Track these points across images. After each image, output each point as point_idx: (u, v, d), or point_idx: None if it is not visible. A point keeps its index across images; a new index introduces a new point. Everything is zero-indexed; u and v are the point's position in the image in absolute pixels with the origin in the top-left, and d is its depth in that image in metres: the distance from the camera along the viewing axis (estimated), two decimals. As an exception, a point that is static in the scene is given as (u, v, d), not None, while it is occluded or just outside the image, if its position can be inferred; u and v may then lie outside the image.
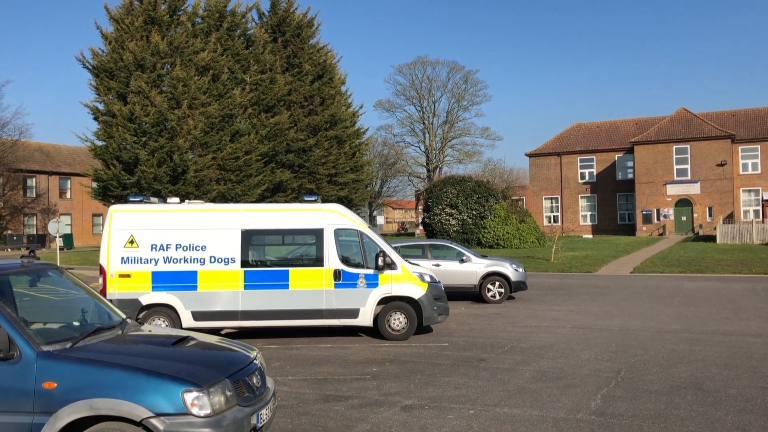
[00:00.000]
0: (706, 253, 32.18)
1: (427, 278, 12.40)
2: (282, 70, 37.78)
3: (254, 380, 5.54)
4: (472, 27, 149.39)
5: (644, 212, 54.44)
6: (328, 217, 12.15)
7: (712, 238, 43.06)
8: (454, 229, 40.82)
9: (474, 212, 40.89)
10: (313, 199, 12.48)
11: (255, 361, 5.78)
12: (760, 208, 52.99)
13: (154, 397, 4.79)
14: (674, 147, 53.54)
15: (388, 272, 11.98)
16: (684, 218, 53.52)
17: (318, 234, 12.03)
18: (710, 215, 52.05)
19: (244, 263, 11.89)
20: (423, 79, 75.00)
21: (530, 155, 63.19)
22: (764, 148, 54.18)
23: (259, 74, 35.46)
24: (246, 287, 11.81)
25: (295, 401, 7.99)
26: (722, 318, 13.82)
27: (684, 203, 53.48)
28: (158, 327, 10.17)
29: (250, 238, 12.05)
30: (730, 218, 49.88)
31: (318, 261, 11.97)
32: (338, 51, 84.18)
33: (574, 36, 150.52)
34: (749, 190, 54.61)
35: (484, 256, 18.56)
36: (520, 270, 17.71)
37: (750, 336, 11.71)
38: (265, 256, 12.38)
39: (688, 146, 53.13)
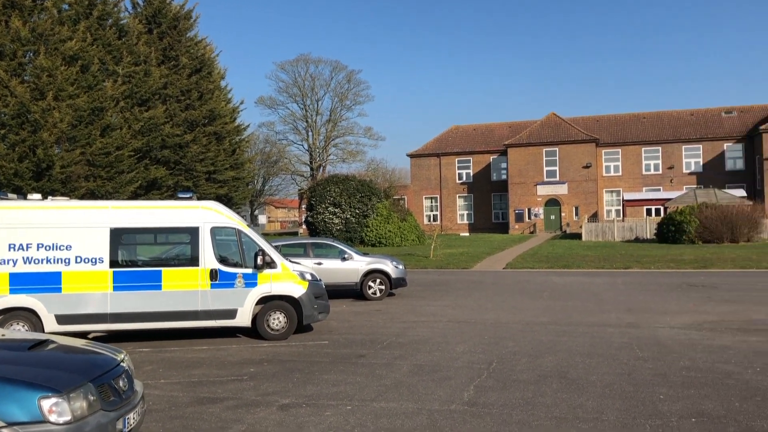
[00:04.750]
0: (572, 249, 34.20)
1: (308, 276, 12.32)
2: (157, 63, 36.24)
3: (121, 384, 5.28)
4: (355, 27, 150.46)
5: (517, 211, 57.08)
6: (204, 215, 11.78)
7: (578, 236, 45.82)
8: (338, 227, 40.94)
9: (357, 211, 41.19)
10: (188, 196, 12.07)
11: (122, 364, 5.50)
12: (621, 207, 56.99)
13: (6, 405, 4.45)
14: (544, 150, 56.50)
15: (267, 271, 11.79)
16: (553, 217, 56.60)
17: (193, 232, 11.65)
18: (576, 214, 55.37)
19: (114, 263, 11.30)
20: (306, 77, 74.67)
21: (411, 156, 64.50)
22: (625, 152, 58.34)
23: (132, 66, 33.83)
24: (115, 288, 11.22)
25: (167, 405, 7.69)
26: (586, 310, 14.71)
27: (553, 203, 56.54)
28: (15, 332, 9.45)
29: (119, 237, 11.47)
30: (594, 217, 53.32)
31: (193, 260, 11.58)
32: (217, 45, 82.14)
33: (454, 40, 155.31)
34: (611, 191, 58.60)
35: (365, 254, 18.72)
36: (400, 267, 18.03)
37: (610, 327, 12.54)
38: (137, 255, 11.84)
39: (557, 149, 56.25)
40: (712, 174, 55.82)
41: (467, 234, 57.75)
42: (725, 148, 56.30)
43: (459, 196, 62.86)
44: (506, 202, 59.20)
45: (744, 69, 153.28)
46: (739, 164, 56.02)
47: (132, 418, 5.22)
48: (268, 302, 11.85)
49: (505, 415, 7.05)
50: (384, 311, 15.25)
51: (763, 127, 52.15)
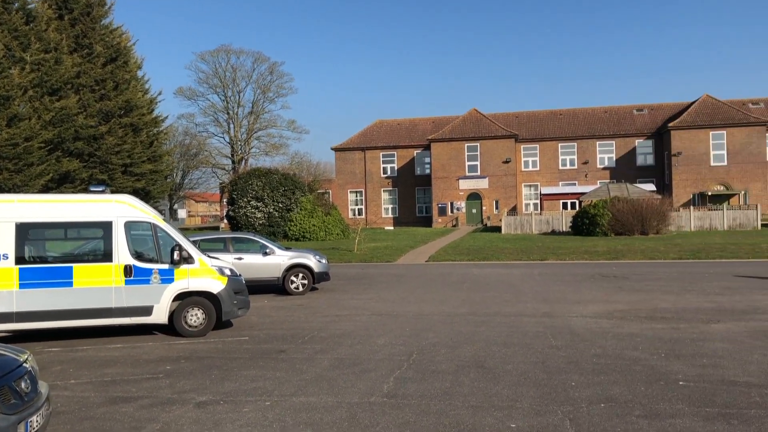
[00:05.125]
0: (492, 242, 35.00)
1: (227, 272, 12.10)
2: (69, 51, 34.74)
3: (23, 385, 5.03)
4: (278, 18, 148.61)
5: (440, 205, 57.93)
6: (118, 209, 11.37)
7: (497, 229, 46.93)
8: (260, 222, 40.40)
9: (280, 205, 40.76)
10: (100, 189, 11.62)
11: (25, 365, 5.25)
12: (538, 201, 58.71)
13: None
14: (466, 145, 57.52)
15: (184, 267, 11.51)
16: (474, 210, 57.76)
17: (106, 227, 11.23)
18: (497, 208, 56.68)
19: (20, 260, 10.76)
20: (227, 67, 73.22)
21: (336, 149, 64.35)
22: (542, 148, 60.12)
23: (42, 53, 32.28)
24: (22, 286, 10.68)
25: (77, 406, 7.39)
26: (504, 301, 15.09)
27: (474, 197, 57.68)
28: None
29: (26, 232, 10.92)
30: (513, 211, 54.68)
31: (106, 256, 11.17)
32: (134, 34, 79.34)
33: (378, 34, 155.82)
34: (530, 185, 60.29)
35: (288, 249, 18.55)
36: (323, 261, 17.96)
37: (526, 316, 12.90)
38: (46, 251, 11.30)
39: (478, 144, 57.38)
40: (625, 169, 58.28)
41: (392, 228, 58.17)
42: (636, 144, 58.87)
43: (384, 190, 63.20)
44: (430, 196, 59.96)
45: (655, 69, 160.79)
46: (650, 160, 58.70)
47: (35, 420, 4.99)
48: (185, 298, 11.57)
49: (424, 405, 7.14)
50: (306, 306, 15.17)
51: (671, 124, 54.84)
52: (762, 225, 42.00)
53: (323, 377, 8.48)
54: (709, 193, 53.21)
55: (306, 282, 17.36)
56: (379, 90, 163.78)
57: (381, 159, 63.15)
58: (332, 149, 64.68)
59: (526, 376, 8.31)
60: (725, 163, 53.81)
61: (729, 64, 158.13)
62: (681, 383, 7.74)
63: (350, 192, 63.67)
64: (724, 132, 53.72)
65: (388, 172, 63.08)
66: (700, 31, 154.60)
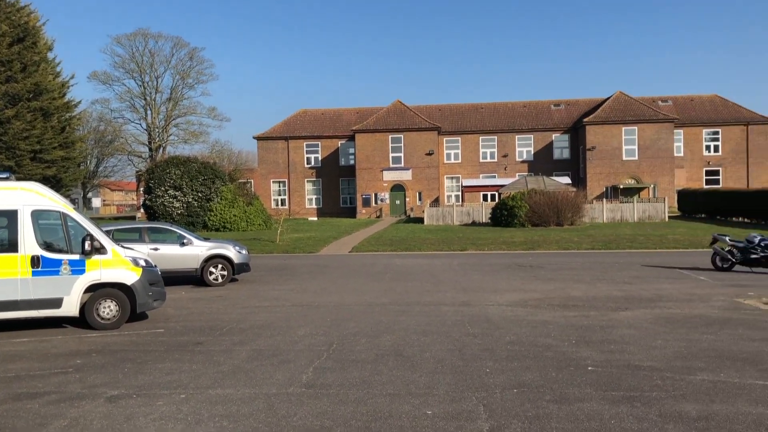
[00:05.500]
0: (415, 233, 35.41)
1: (142, 263, 11.74)
2: (-29, 29, 32.71)
3: None
4: (199, 1, 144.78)
5: (364, 196, 58.08)
6: (24, 197, 10.83)
7: (420, 220, 47.48)
8: (179, 212, 39.38)
9: (200, 194, 39.85)
10: (4, 176, 11.04)
11: None
12: (460, 193, 59.76)
13: None
14: (390, 136, 57.83)
15: (96, 257, 11.09)
16: (398, 202, 58.22)
17: (11, 216, 10.67)
18: (420, 199, 57.32)
19: None
20: (144, 52, 70.72)
21: (258, 138, 63.36)
22: (464, 140, 61.17)
23: (-60, 31, 30.28)
24: None
25: (-24, 404, 7.02)
26: (424, 290, 15.31)
27: (398, 188, 58.13)
28: None
29: None
30: (436, 202, 55.48)
31: (11, 246, 10.63)
32: (44, 13, 75.54)
33: (303, 22, 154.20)
34: (452, 177, 61.28)
35: (207, 239, 18.18)
36: (244, 252, 17.69)
37: (445, 305, 13.14)
38: (-57, 241, 10.65)
39: (402, 136, 57.80)
40: (542, 162, 60.06)
41: (315, 219, 57.92)
42: (553, 138, 60.75)
43: (307, 181, 62.77)
44: (354, 187, 59.98)
45: (572, 64, 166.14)
46: (566, 153, 60.71)
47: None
48: (97, 290, 11.16)
49: (342, 394, 7.17)
50: (225, 297, 14.92)
51: (586, 119, 56.85)
52: (669, 217, 44.23)
53: (241, 369, 8.37)
54: (621, 186, 55.57)
55: (225, 273, 17.06)
56: (303, 79, 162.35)
57: (305, 149, 62.67)
58: (254, 138, 63.66)
59: (443, 363, 8.46)
60: (636, 158, 56.27)
61: (641, 63, 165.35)
62: (590, 368, 8.08)
63: (273, 182, 62.91)
64: (636, 128, 56.14)
65: (312, 163, 62.68)
66: (614, 29, 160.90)
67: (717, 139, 59.73)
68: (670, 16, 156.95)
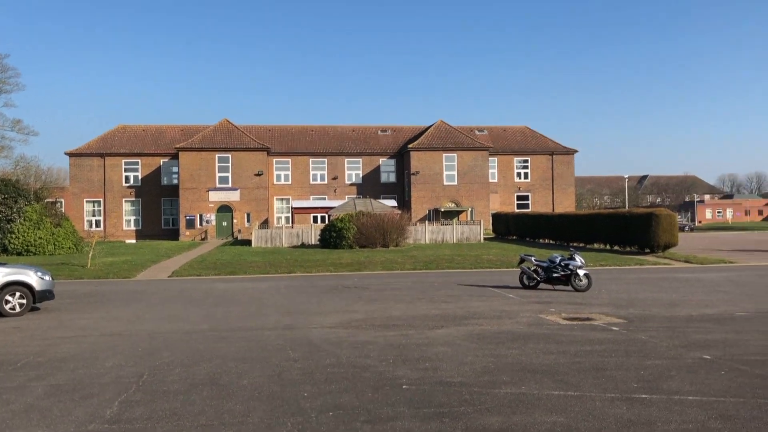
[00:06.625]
0: (241, 256, 34.62)
1: None
2: None
3: None
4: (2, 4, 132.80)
5: (188, 217, 55.92)
6: None
7: (248, 242, 46.59)
8: (-27, 233, 35.34)
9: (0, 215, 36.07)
10: None
11: None
12: (290, 214, 59.56)
13: None
14: (217, 155, 56.40)
15: None
16: (225, 223, 56.75)
17: None
18: (248, 221, 56.33)
19: None
20: (-64, 56, 63.19)
21: (71, 154, 58.92)
22: (294, 162, 61.22)
23: None
24: None
25: None
26: (247, 315, 14.92)
27: (225, 209, 56.69)
28: None
29: None
30: (265, 224, 54.80)
31: None
32: None
33: (124, 36, 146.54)
34: (282, 199, 60.97)
35: (4, 264, 16.41)
36: (47, 278, 16.17)
37: (268, 330, 12.88)
38: None
39: (230, 155, 56.60)
40: (370, 185, 61.68)
41: (134, 241, 54.77)
42: (381, 162, 62.68)
43: (126, 201, 59.31)
44: (177, 207, 57.62)
45: (398, 92, 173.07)
46: (392, 177, 62.85)
47: None
48: None
49: (149, 428, 6.72)
50: (24, 328, 13.53)
51: (411, 145, 59.35)
52: (485, 238, 47.20)
53: (35, 407, 7.57)
54: (442, 209, 58.51)
55: (24, 302, 15.47)
56: (123, 94, 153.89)
57: (123, 167, 59.25)
58: (66, 154, 59.08)
59: (261, 390, 8.25)
60: (456, 183, 59.58)
61: (461, 94, 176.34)
62: (404, 387, 8.27)
63: (87, 201, 58.70)
64: (455, 155, 59.53)
65: (131, 181, 59.38)
66: (437, 61, 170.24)
67: (527, 167, 64.98)
68: (482, 53, 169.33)
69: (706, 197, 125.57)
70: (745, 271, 24.43)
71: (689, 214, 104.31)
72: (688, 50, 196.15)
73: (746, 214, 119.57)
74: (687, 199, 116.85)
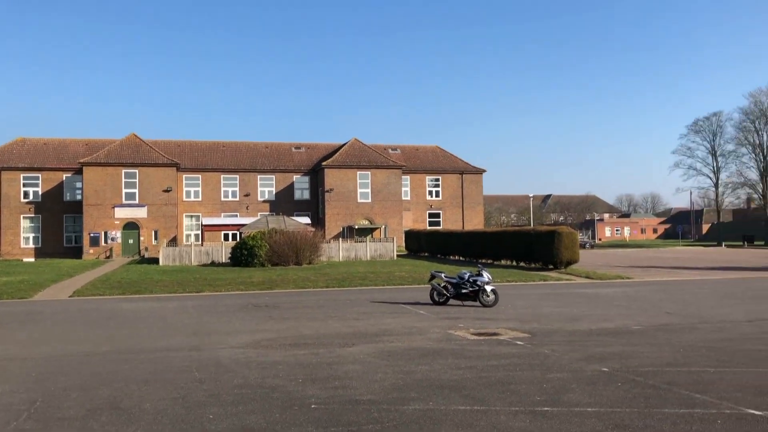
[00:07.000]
0: (148, 274, 33.46)
1: None
2: None
3: None
4: None
5: (92, 235, 53.61)
6: None
7: (156, 260, 45.11)
8: None
9: None
10: None
11: None
12: (200, 232, 58.14)
13: None
14: (123, 171, 54.50)
15: None
16: (131, 241, 54.75)
17: None
18: (156, 238, 54.56)
19: None
20: None
21: (-38, 168, 55.39)
22: (204, 178, 59.93)
23: None
24: None
25: None
26: (152, 336, 14.42)
27: (132, 226, 54.74)
28: None
29: None
30: (173, 241, 53.23)
31: None
32: None
33: (27, 42, 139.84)
34: (192, 215, 59.48)
35: None
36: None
37: (173, 351, 12.50)
38: None
39: (137, 171, 54.79)
40: (284, 202, 61.18)
41: (33, 260, 51.92)
42: (294, 179, 62.33)
43: (24, 217, 56.26)
44: (81, 224, 55.16)
45: (310, 110, 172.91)
46: (306, 194, 62.59)
47: None
48: None
49: (41, 459, 6.37)
50: None
51: (325, 163, 59.36)
52: (397, 255, 47.65)
53: None
54: (356, 227, 58.71)
55: None
56: (23, 105, 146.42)
57: (21, 181, 56.24)
58: (-42, 167, 55.50)
59: (164, 413, 7.99)
60: (369, 201, 60.00)
61: (374, 113, 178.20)
62: (313, 406, 8.22)
63: (-19, 218, 55.25)
64: (369, 173, 60.01)
65: (31, 197, 56.42)
66: (350, 79, 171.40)
67: (438, 185, 66.29)
68: (391, 77, 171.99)
69: (606, 216, 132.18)
70: (640, 287, 25.81)
71: (590, 232, 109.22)
72: (589, 73, 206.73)
73: (642, 232, 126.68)
74: (588, 218, 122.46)
